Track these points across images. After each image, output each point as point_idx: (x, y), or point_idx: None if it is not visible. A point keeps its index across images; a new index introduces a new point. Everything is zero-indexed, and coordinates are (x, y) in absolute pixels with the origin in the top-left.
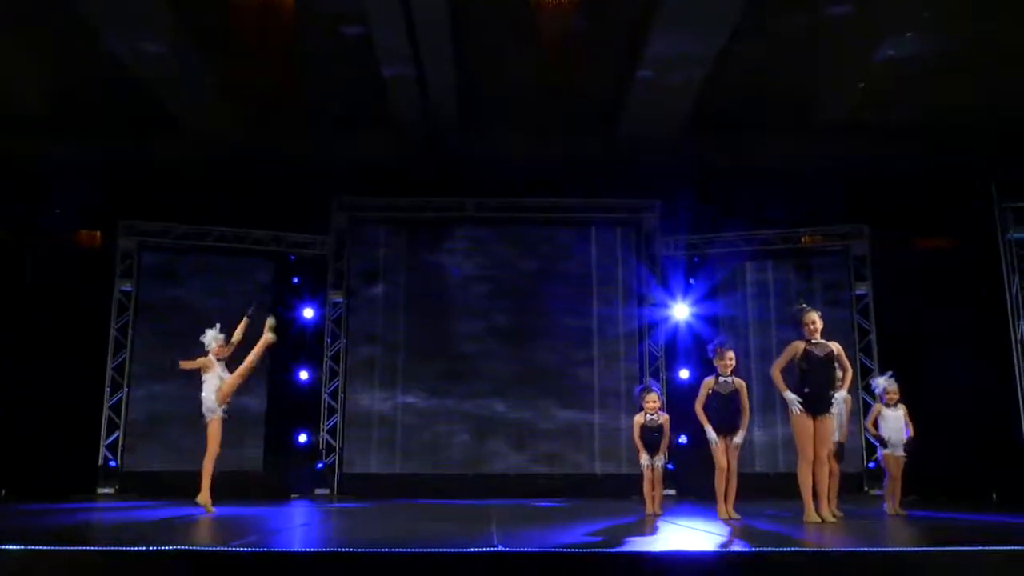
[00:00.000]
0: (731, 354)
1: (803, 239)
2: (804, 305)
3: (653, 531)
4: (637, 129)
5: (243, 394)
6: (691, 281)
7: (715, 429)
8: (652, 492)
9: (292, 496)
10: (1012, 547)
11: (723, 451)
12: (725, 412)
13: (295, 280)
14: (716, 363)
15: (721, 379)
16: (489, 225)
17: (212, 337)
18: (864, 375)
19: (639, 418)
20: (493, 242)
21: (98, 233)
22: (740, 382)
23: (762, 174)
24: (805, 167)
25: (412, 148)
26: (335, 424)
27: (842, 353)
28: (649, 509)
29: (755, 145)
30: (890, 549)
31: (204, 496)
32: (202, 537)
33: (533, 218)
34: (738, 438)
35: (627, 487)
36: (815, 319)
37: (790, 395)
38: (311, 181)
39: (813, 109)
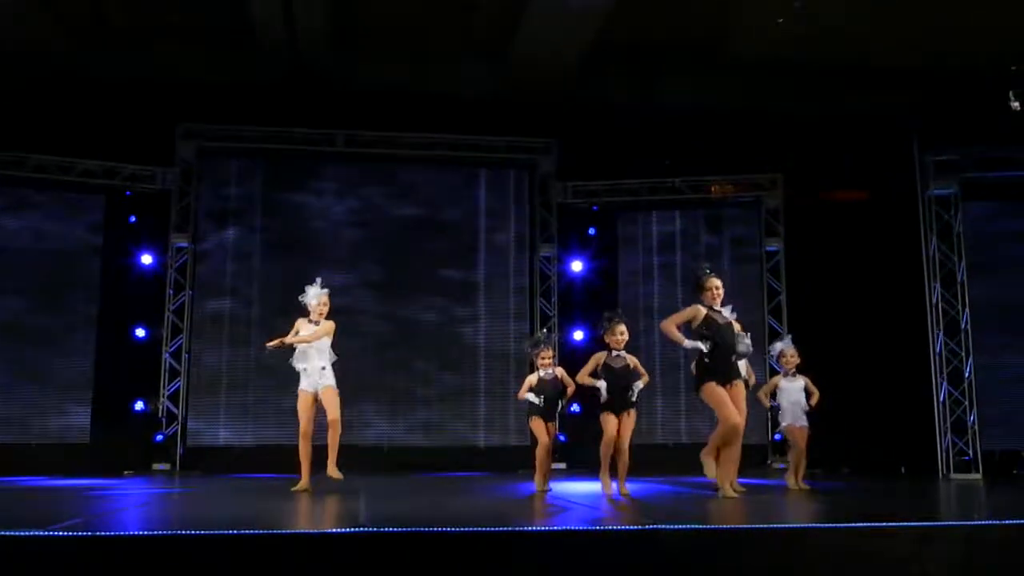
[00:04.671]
0: (622, 328)
1: (713, 188)
2: (708, 269)
3: (540, 507)
4: (533, 60)
5: (67, 354)
6: (590, 232)
7: (608, 405)
8: (548, 461)
9: (125, 472)
10: (906, 523)
11: (614, 424)
12: (618, 388)
13: (132, 219)
14: (607, 339)
15: (614, 353)
16: (362, 162)
17: (315, 295)
18: (772, 339)
19: (532, 377)
20: (366, 182)
21: None
22: (633, 358)
23: (670, 115)
24: (717, 109)
25: (274, 71)
26: (177, 389)
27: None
28: (541, 484)
29: (664, 82)
30: (787, 526)
31: (332, 469)
32: (14, 520)
33: (413, 156)
34: (636, 387)
35: (514, 460)
36: (718, 285)
37: (691, 343)
38: (153, 104)
39: (728, 44)
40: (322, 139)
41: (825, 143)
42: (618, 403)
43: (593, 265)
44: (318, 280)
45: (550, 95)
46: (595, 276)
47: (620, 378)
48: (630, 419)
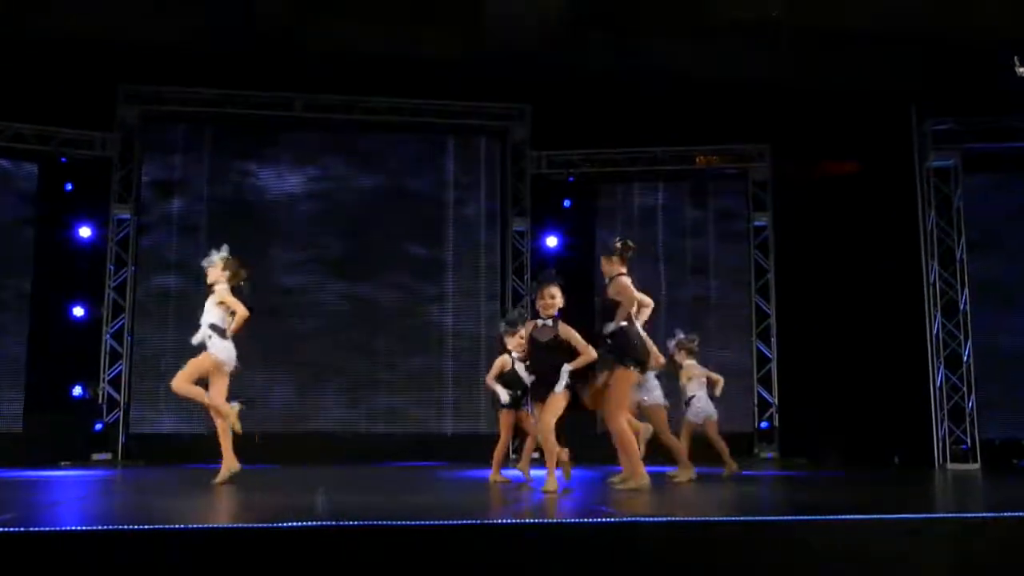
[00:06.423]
0: (553, 290)
1: (697, 159)
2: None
3: (507, 500)
4: (507, 19)
5: None
6: (565, 204)
7: (531, 387)
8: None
9: (62, 463)
10: (897, 516)
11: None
12: (540, 365)
13: (68, 188)
14: (537, 304)
15: (540, 323)
16: (321, 128)
17: (221, 258)
18: (760, 320)
19: (504, 360)
20: (325, 150)
21: None
22: (565, 327)
23: (652, 81)
24: (703, 75)
25: (227, 29)
26: (119, 373)
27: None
28: (496, 474)
29: (645, 46)
30: (769, 519)
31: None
32: None
33: (376, 122)
34: (558, 387)
35: (483, 448)
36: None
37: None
38: (92, 63)
39: (714, 6)
40: (278, 103)
41: (816, 112)
42: (540, 386)
43: (569, 240)
44: (225, 246)
45: (524, 58)
46: (571, 252)
47: (544, 354)
48: (554, 400)
